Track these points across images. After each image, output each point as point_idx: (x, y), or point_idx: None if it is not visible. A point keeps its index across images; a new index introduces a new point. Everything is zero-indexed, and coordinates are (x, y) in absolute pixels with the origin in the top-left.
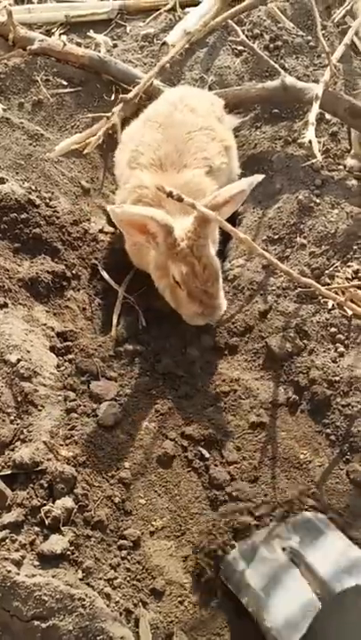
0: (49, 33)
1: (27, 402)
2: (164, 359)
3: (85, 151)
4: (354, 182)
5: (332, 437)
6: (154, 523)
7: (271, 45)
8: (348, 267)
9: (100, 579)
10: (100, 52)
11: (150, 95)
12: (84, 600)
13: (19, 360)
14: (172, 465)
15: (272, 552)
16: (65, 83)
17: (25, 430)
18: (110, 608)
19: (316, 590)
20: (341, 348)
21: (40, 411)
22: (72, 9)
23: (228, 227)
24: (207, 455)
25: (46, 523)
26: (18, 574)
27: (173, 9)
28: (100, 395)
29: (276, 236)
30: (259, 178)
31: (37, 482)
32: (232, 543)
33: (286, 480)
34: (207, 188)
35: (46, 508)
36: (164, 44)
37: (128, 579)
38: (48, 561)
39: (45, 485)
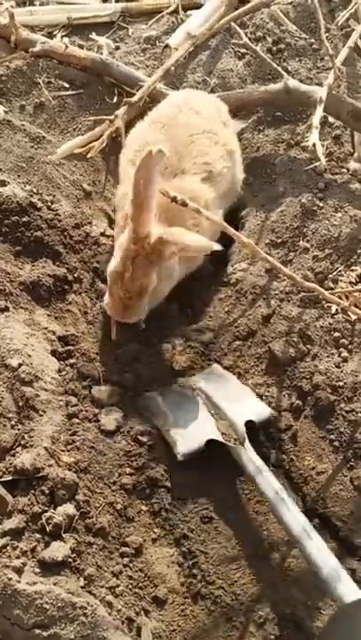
0: (51, 35)
1: (28, 407)
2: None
3: (89, 155)
4: (357, 186)
5: (336, 443)
6: (156, 530)
7: (274, 48)
8: (352, 271)
9: (102, 586)
10: (102, 54)
11: (153, 98)
12: (85, 608)
13: (20, 364)
14: None
15: (183, 389)
16: (67, 85)
17: (26, 436)
18: (112, 616)
19: (210, 411)
20: (345, 353)
21: (41, 416)
22: (74, 11)
23: (232, 231)
24: None
25: (47, 529)
26: (19, 582)
27: (176, 11)
28: (101, 400)
29: (279, 240)
30: (218, 247)
31: (38, 488)
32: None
33: None
34: (202, 197)
35: (47, 514)
36: (167, 46)
37: (130, 587)
38: (49, 568)
39: (47, 492)
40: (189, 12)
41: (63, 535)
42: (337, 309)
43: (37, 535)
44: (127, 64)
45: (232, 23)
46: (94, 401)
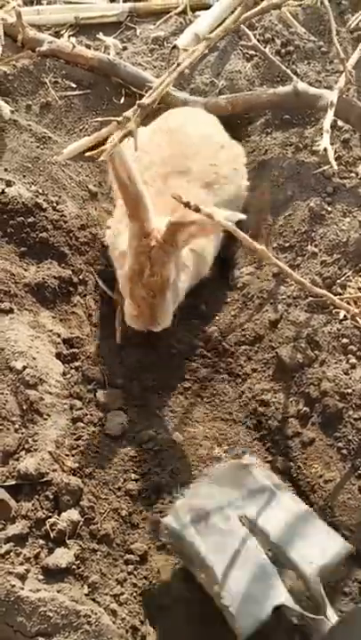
0: (58, 35)
1: (32, 410)
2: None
3: (101, 158)
4: None
5: (344, 451)
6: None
7: (283, 50)
8: (360, 276)
9: (106, 594)
10: (109, 54)
11: (161, 100)
12: (89, 617)
13: (24, 367)
14: None
15: (226, 521)
16: (74, 85)
17: (30, 440)
18: (116, 625)
19: (267, 551)
20: (353, 360)
21: (46, 420)
22: (82, 11)
23: (243, 236)
24: None
25: (51, 536)
26: (22, 589)
27: (184, 12)
28: (106, 404)
29: (286, 244)
30: (240, 216)
31: (43, 493)
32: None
33: None
34: (205, 202)
35: (52, 520)
36: (175, 47)
37: (135, 594)
38: (53, 575)
39: (51, 497)
40: (198, 13)
41: (67, 541)
42: (345, 315)
43: (41, 541)
44: (135, 64)
45: (241, 25)
46: (99, 405)
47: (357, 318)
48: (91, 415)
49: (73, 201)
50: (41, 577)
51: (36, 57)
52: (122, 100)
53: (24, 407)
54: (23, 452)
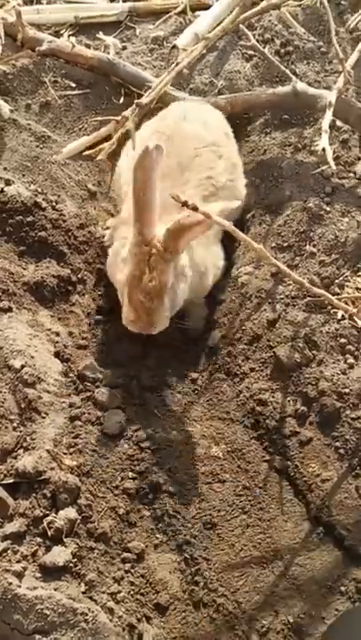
0: (58, 34)
1: (30, 409)
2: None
3: (99, 158)
4: None
5: (342, 451)
6: (158, 535)
7: (282, 50)
8: (359, 276)
9: (103, 592)
10: (109, 54)
11: (160, 99)
12: (86, 615)
13: (23, 366)
14: None
15: None
16: (73, 84)
17: (28, 438)
18: (113, 623)
19: None
20: (351, 360)
21: (44, 418)
22: (81, 10)
23: (241, 235)
24: None
25: (49, 534)
26: (19, 586)
27: (184, 12)
28: (104, 402)
29: (285, 244)
30: (234, 204)
31: (40, 491)
32: None
33: None
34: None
35: (49, 518)
36: (174, 47)
37: (132, 593)
38: (50, 573)
39: (48, 495)
40: (197, 13)
41: (64, 540)
42: (343, 315)
43: (38, 539)
44: (134, 64)
45: (240, 25)
46: (97, 403)
47: (355, 318)
48: (89, 414)
49: (72, 200)
50: (38, 575)
51: (36, 56)
52: (121, 100)
53: (22, 405)
54: (21, 451)
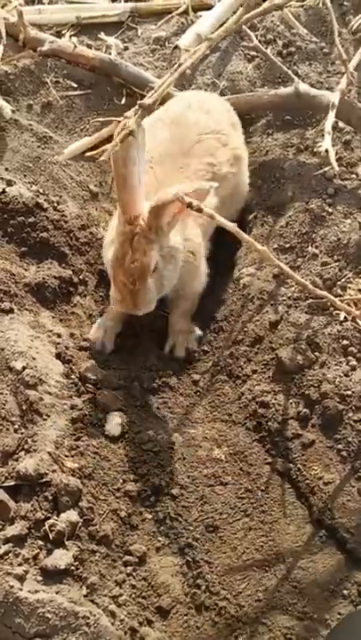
0: (59, 34)
1: (31, 410)
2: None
3: (101, 158)
4: None
5: (344, 453)
6: (160, 538)
7: (284, 51)
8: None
9: (105, 595)
10: (110, 54)
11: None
12: (88, 618)
13: (24, 367)
14: None
15: None
16: (75, 85)
17: (29, 440)
18: (115, 626)
19: None
20: (354, 362)
21: (45, 420)
22: (83, 10)
23: (245, 237)
24: None
25: (50, 537)
26: (21, 590)
27: (186, 12)
28: (106, 404)
29: (287, 245)
30: (207, 185)
31: (42, 494)
32: None
33: None
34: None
35: (50, 521)
36: (176, 47)
37: (133, 596)
38: (51, 576)
39: (50, 498)
40: (200, 13)
41: (66, 543)
42: (346, 317)
43: (40, 542)
44: (136, 65)
45: (243, 26)
46: (99, 405)
47: (358, 320)
48: (90, 416)
49: (74, 201)
50: (39, 578)
51: (38, 57)
52: (123, 101)
53: (23, 407)
54: (22, 453)
